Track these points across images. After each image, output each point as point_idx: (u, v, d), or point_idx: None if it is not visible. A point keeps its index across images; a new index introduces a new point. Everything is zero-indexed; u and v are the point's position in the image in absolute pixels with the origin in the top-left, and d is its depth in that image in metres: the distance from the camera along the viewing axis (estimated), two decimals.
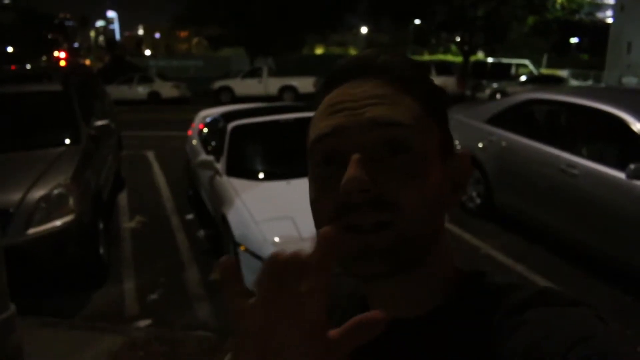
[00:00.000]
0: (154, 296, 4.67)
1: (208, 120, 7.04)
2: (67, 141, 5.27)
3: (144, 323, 4.23)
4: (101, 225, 5.13)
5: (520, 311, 0.60)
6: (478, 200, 6.51)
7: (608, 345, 0.54)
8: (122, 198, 7.52)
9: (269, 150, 5.67)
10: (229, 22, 25.72)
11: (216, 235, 5.33)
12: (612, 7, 42.76)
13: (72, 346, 3.64)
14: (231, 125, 5.67)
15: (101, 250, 4.98)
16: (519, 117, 6.14)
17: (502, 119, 6.25)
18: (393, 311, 0.66)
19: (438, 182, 0.63)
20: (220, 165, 5.31)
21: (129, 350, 3.62)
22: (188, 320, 4.27)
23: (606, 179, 4.59)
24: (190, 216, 6.70)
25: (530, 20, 26.94)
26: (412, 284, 0.66)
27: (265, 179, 5.09)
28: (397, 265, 0.61)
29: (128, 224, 6.51)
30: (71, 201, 4.46)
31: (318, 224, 0.64)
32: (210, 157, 5.53)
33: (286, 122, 5.82)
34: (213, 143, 6.08)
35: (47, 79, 5.93)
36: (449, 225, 6.26)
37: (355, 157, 0.59)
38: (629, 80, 28.30)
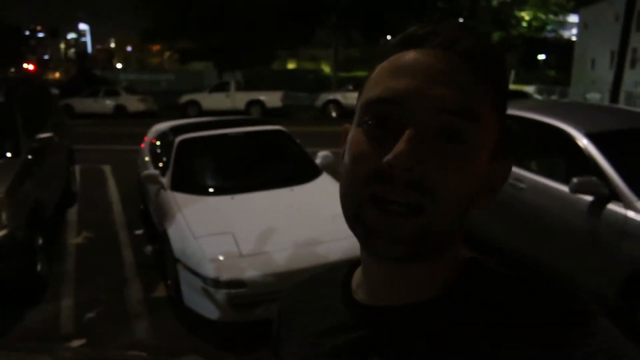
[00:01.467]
0: (91, 314, 4.52)
1: (158, 134, 6.93)
2: (7, 154, 5.11)
3: (77, 342, 4.09)
4: (40, 241, 4.97)
5: (522, 301, 0.60)
6: None
7: (612, 342, 0.54)
8: (72, 213, 7.33)
9: (215, 165, 5.59)
10: (197, 36, 25.58)
11: (162, 251, 5.22)
12: (576, 25, 43.85)
13: None
14: (178, 139, 5.58)
15: (39, 267, 4.82)
16: None
17: None
18: (385, 299, 0.67)
19: (480, 181, 0.61)
20: (165, 180, 5.21)
21: None
22: (125, 339, 4.15)
23: (551, 192, 4.60)
24: (139, 231, 6.55)
25: (497, 36, 27.42)
26: (418, 272, 0.64)
27: (210, 193, 5.00)
28: (417, 252, 0.60)
29: (74, 239, 6.34)
30: (4, 216, 4.31)
31: (352, 180, 0.61)
32: (156, 171, 5.43)
33: (234, 136, 5.76)
34: (162, 157, 5.98)
35: None
36: None
37: (410, 132, 0.56)
38: (593, 96, 28.91)
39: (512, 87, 32.98)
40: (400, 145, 0.56)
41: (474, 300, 0.62)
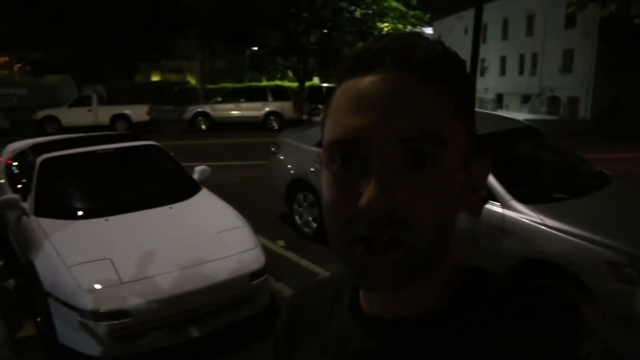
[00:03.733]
0: None
1: (16, 153, 6.28)
2: None
3: None
4: None
5: (522, 308, 0.60)
6: (314, 225, 6.50)
7: (612, 341, 0.55)
8: None
9: (84, 185, 5.16)
10: (51, 47, 23.83)
11: (28, 284, 4.69)
12: (431, 37, 47.13)
13: None
14: (40, 158, 5.07)
15: None
16: None
17: None
18: (392, 312, 0.66)
19: (459, 192, 0.61)
20: (27, 204, 4.70)
21: None
22: None
23: None
24: None
25: (360, 46, 28.38)
26: (414, 290, 0.63)
27: (81, 217, 4.59)
28: (408, 279, 0.60)
29: None
30: None
31: (335, 224, 0.61)
32: (16, 196, 4.90)
33: (103, 154, 5.34)
34: (22, 179, 5.42)
35: None
36: (287, 253, 6.17)
37: (376, 171, 0.56)
38: None
39: None
40: (372, 191, 0.55)
41: (474, 310, 0.63)
